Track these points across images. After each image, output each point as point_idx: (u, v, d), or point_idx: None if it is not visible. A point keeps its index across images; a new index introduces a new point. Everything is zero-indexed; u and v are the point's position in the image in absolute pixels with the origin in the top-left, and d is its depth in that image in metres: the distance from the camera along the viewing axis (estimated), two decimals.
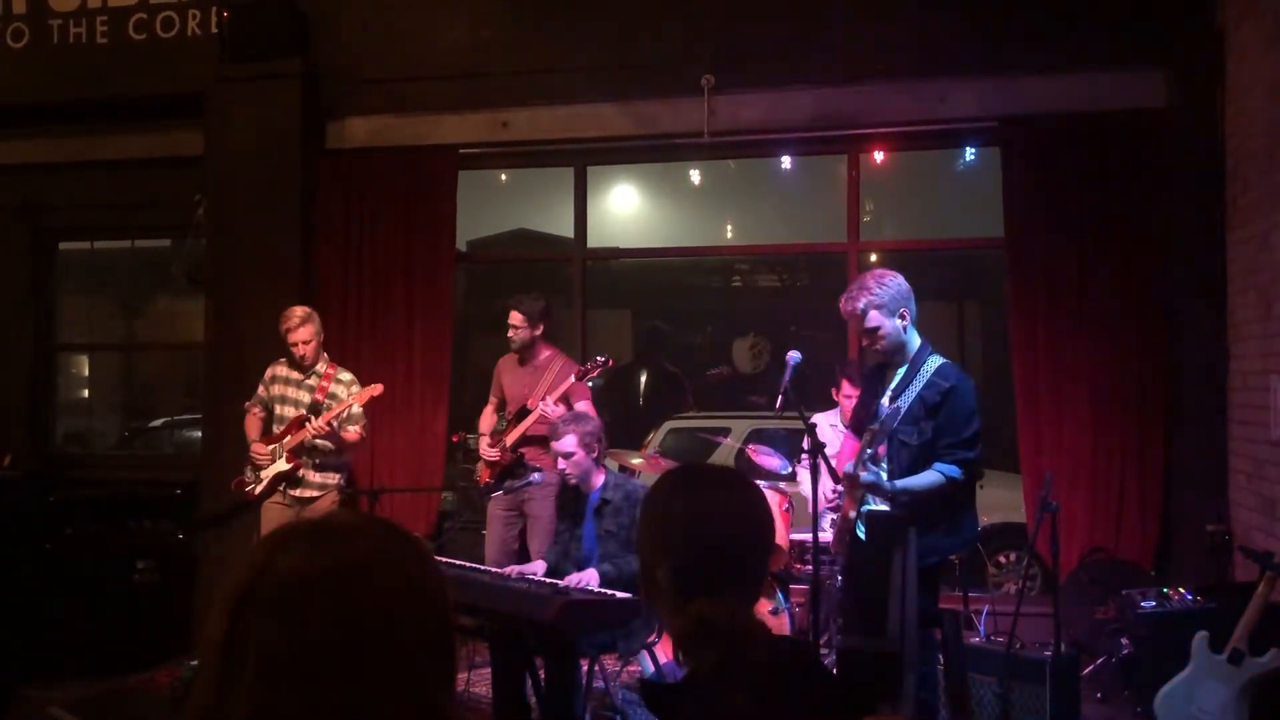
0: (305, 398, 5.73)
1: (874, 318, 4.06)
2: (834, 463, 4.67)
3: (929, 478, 3.96)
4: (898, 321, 4.07)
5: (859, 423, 4.33)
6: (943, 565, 4.32)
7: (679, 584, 1.63)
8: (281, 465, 5.62)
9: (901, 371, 4.12)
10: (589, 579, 4.38)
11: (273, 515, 5.62)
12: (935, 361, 4.07)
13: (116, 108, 7.38)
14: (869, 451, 4.01)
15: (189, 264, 7.13)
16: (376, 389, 5.61)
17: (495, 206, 9.53)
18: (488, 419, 6.14)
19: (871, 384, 4.31)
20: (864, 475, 3.97)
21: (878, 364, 4.29)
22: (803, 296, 12.54)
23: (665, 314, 11.97)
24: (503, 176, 8.60)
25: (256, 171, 6.89)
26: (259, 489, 5.65)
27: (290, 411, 5.72)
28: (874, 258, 7.69)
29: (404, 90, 6.93)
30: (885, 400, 4.10)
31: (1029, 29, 6.10)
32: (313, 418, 5.57)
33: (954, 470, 3.95)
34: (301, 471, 5.65)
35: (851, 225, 6.83)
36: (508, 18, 6.81)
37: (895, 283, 4.09)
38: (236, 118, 6.89)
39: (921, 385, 4.01)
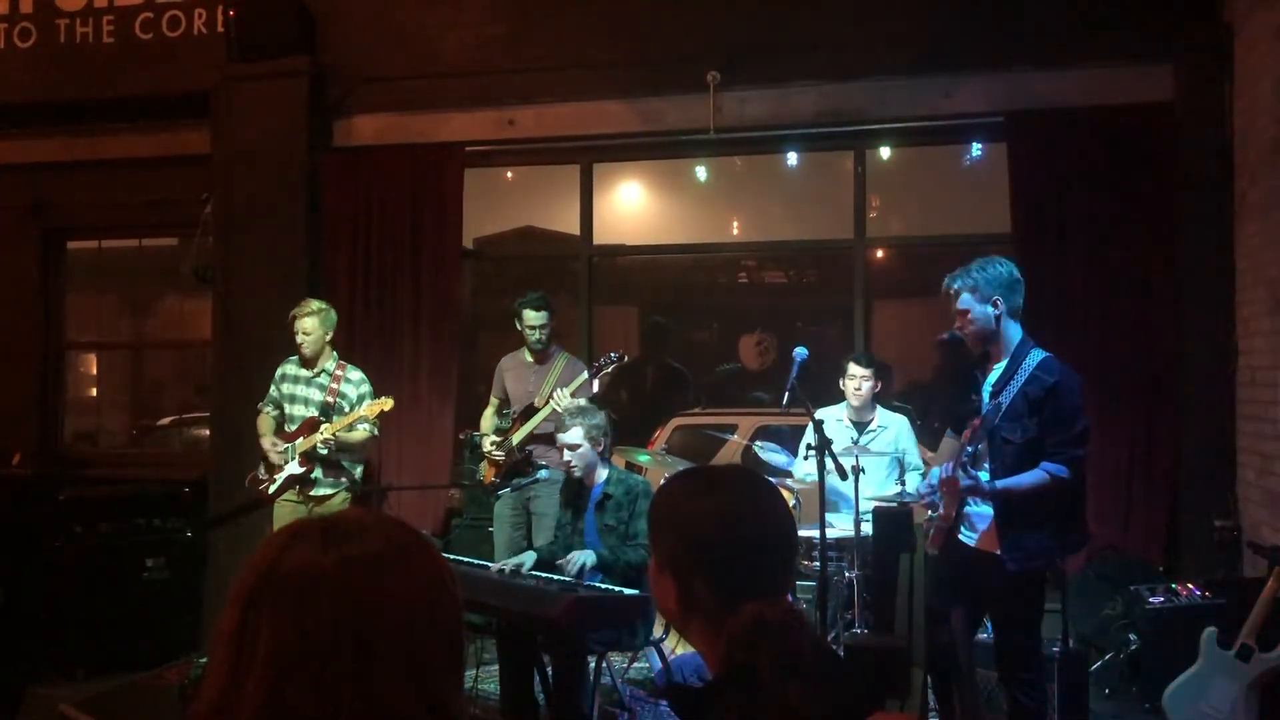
0: (316, 396, 5.74)
1: (964, 300, 3.92)
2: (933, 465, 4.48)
3: (1034, 477, 3.77)
4: (989, 309, 3.90)
5: (958, 421, 4.13)
6: (1049, 570, 4.12)
7: (723, 590, 1.58)
8: (294, 468, 5.63)
9: (1001, 366, 3.94)
10: (586, 556, 4.45)
11: (284, 514, 5.63)
12: (1037, 356, 3.90)
13: (123, 107, 7.40)
14: (969, 451, 3.86)
15: (197, 262, 7.13)
16: (386, 403, 5.59)
17: (501, 204, 9.52)
18: (489, 420, 6.15)
19: (968, 380, 4.13)
20: (963, 480, 3.83)
21: (977, 358, 4.11)
22: (809, 293, 12.53)
23: (671, 310, 11.95)
24: (509, 174, 8.60)
25: (264, 170, 6.91)
26: (272, 488, 5.66)
27: (301, 410, 5.73)
28: (880, 254, 7.68)
29: (410, 88, 6.94)
30: (985, 396, 3.95)
31: (1035, 23, 6.09)
32: (325, 421, 5.59)
33: (1062, 470, 3.77)
34: (313, 474, 5.66)
35: (858, 221, 6.82)
36: (514, 16, 6.82)
37: (996, 270, 3.92)
38: (243, 116, 6.90)
39: (1024, 380, 3.83)
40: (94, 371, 10.08)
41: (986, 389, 3.98)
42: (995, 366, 3.98)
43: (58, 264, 8.24)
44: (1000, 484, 3.81)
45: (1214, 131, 5.66)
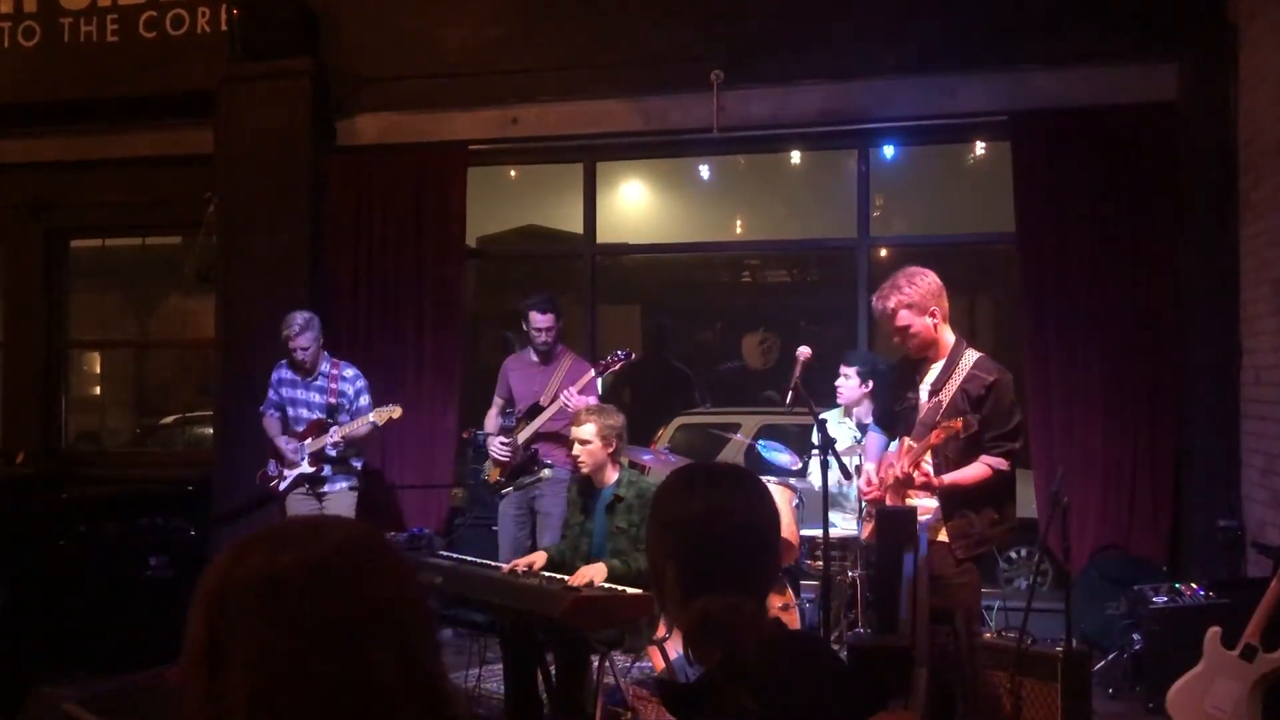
0: (316, 398, 5.93)
1: (904, 317, 4.07)
2: (864, 458, 4.64)
3: (976, 470, 3.97)
4: (928, 320, 4.07)
5: (891, 418, 4.33)
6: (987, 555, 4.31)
7: (684, 582, 1.66)
8: (305, 468, 5.85)
9: (939, 366, 4.12)
10: (597, 572, 4.38)
11: (297, 508, 5.87)
12: (973, 355, 4.08)
13: (127, 106, 7.41)
14: (916, 448, 3.99)
15: (200, 262, 7.15)
16: (395, 411, 5.75)
17: (505, 203, 9.52)
18: (493, 420, 6.15)
19: (905, 380, 4.28)
20: (917, 477, 3.97)
21: (912, 359, 4.25)
22: (812, 292, 12.52)
23: (675, 310, 11.96)
24: (512, 173, 8.60)
25: (267, 169, 6.91)
26: (283, 485, 5.87)
27: (305, 413, 5.93)
28: (884, 253, 7.68)
29: (413, 87, 6.94)
30: (924, 395, 4.11)
31: (1039, 22, 6.07)
32: (331, 422, 5.80)
33: (1001, 462, 3.98)
34: (322, 472, 5.88)
35: (861, 220, 6.82)
36: (516, 14, 6.81)
37: (926, 281, 4.09)
38: (247, 116, 6.90)
39: (962, 379, 4.02)
40: (97, 370, 10.10)
41: (925, 388, 4.15)
42: (933, 367, 4.16)
43: (61, 263, 8.24)
44: (948, 478, 3.99)
45: (1218, 131, 5.65)
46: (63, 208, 7.93)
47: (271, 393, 6.05)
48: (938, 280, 4.13)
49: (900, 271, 4.16)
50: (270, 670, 1.07)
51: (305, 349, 5.82)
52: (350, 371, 5.99)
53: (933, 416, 3.99)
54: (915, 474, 3.97)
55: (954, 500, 4.01)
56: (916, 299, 4.06)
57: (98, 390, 10.30)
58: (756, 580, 1.72)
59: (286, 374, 6.01)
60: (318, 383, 5.94)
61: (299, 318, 5.85)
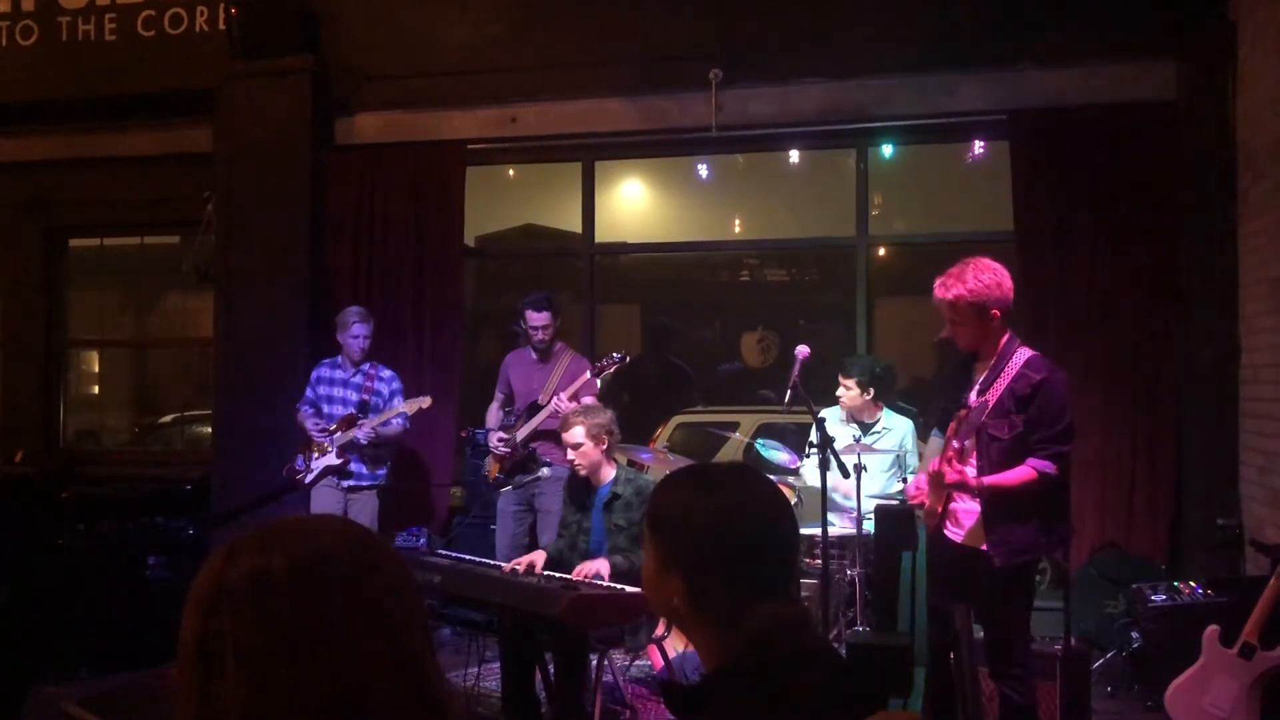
0: (353, 396, 6.11)
1: (962, 311, 3.88)
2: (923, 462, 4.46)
3: (1021, 473, 3.77)
4: (986, 319, 3.87)
5: (946, 420, 4.11)
6: (1035, 564, 4.08)
7: (738, 589, 1.57)
8: (331, 459, 5.98)
9: (990, 365, 3.95)
10: (600, 567, 4.38)
11: (323, 499, 6.00)
12: (1024, 354, 3.89)
13: (126, 104, 7.41)
14: (955, 448, 3.82)
15: (199, 260, 7.14)
16: (425, 401, 5.97)
17: (504, 202, 9.52)
18: (494, 416, 6.16)
19: (956, 379, 4.12)
20: (950, 475, 3.81)
21: (963, 359, 4.10)
22: (811, 291, 12.52)
23: (674, 309, 11.95)
24: (511, 172, 8.60)
25: (266, 167, 6.91)
26: (309, 477, 6.01)
27: (339, 410, 6.09)
28: (883, 252, 7.67)
29: (412, 86, 6.95)
30: (972, 395, 3.92)
31: (1038, 20, 6.08)
32: (362, 418, 5.95)
33: (1048, 465, 3.77)
34: (351, 465, 6.02)
35: (860, 219, 6.82)
36: (515, 13, 6.82)
37: (994, 279, 3.87)
38: (246, 114, 6.90)
39: (1011, 378, 3.83)
40: (96, 369, 10.08)
41: (973, 388, 3.98)
42: (983, 366, 3.99)
43: (60, 261, 8.25)
44: (988, 480, 3.81)
45: (1217, 129, 5.65)
46: (62, 206, 7.94)
47: (309, 391, 6.20)
48: (1009, 279, 3.91)
49: (970, 261, 3.93)
50: (263, 670, 1.08)
51: (367, 337, 6.07)
52: (387, 373, 6.19)
53: (978, 417, 3.79)
54: (947, 470, 3.80)
55: (997, 505, 3.82)
56: (980, 296, 3.85)
57: (96, 389, 10.28)
58: (797, 575, 1.73)
59: (326, 372, 6.19)
60: (355, 379, 6.11)
61: (356, 309, 6.15)
